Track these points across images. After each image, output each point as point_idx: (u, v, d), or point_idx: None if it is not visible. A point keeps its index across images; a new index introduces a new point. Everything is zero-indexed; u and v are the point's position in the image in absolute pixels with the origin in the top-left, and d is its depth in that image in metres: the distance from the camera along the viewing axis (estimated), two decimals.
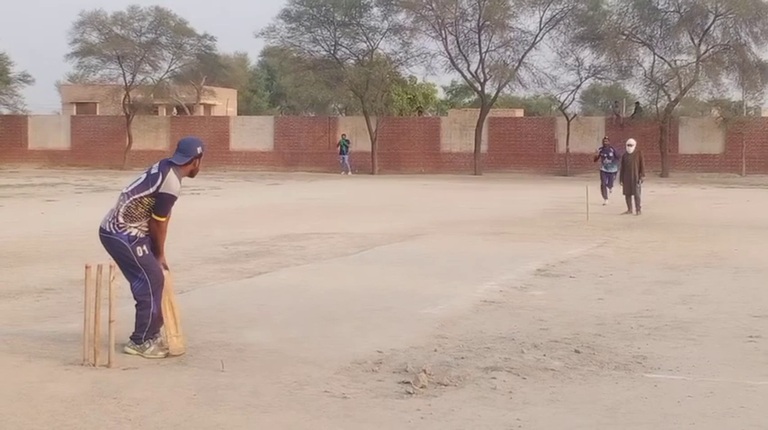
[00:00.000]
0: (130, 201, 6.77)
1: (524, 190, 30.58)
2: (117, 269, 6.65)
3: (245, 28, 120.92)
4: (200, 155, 6.99)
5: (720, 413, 5.52)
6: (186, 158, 6.92)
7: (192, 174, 7.05)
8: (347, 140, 43.40)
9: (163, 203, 6.80)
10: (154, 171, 6.84)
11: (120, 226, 6.78)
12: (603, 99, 61.29)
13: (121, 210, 6.78)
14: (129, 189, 6.83)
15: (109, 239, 6.84)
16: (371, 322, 8.07)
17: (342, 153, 43.03)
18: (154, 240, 6.90)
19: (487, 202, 24.09)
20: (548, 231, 16.61)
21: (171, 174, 6.80)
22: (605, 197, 22.95)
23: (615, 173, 22.60)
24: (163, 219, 6.87)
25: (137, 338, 6.79)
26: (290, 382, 6.01)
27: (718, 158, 41.19)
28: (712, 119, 41.58)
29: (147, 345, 6.74)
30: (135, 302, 6.84)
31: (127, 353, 6.68)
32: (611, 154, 23.45)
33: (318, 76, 43.76)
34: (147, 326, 6.77)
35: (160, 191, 6.75)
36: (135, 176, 7.23)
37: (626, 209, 20.48)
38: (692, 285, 10.45)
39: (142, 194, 6.76)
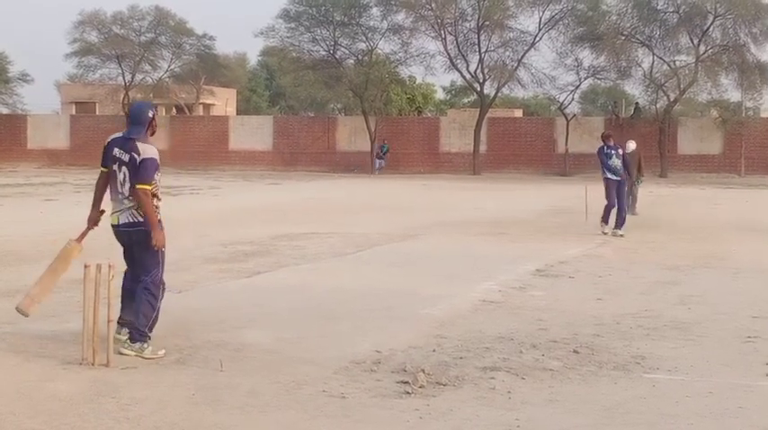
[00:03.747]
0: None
1: (523, 190, 30.59)
2: (116, 268, 6.63)
3: (245, 27, 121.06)
4: (154, 116, 6.97)
5: (719, 413, 5.52)
6: (143, 128, 6.88)
7: (152, 134, 7.00)
8: (386, 146, 43.29)
9: (146, 169, 6.73)
10: (126, 157, 6.75)
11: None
12: (603, 99, 61.34)
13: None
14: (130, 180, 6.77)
15: (138, 232, 6.79)
16: (370, 322, 8.07)
17: (379, 157, 42.83)
18: (144, 211, 6.74)
19: (486, 202, 24.08)
20: (547, 231, 16.61)
21: (141, 144, 6.80)
22: (606, 222, 16.46)
23: (623, 182, 16.70)
24: (149, 187, 6.75)
25: (139, 335, 6.71)
26: (289, 382, 6.01)
27: (717, 159, 41.21)
28: (711, 119, 41.60)
29: (146, 346, 6.72)
30: (143, 296, 6.76)
31: (123, 354, 6.62)
32: (618, 151, 16.65)
33: (318, 75, 43.79)
34: (151, 320, 6.78)
35: (143, 160, 6.73)
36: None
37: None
38: (691, 286, 10.45)
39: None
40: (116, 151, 6.84)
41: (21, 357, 6.58)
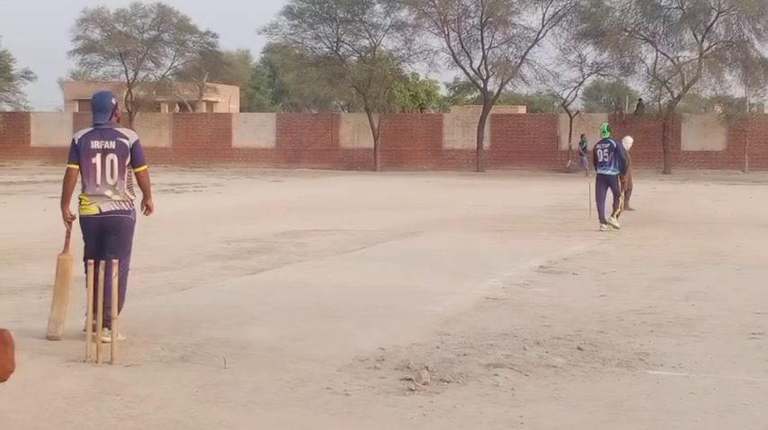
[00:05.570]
0: (129, 172, 7.07)
1: (527, 186, 30.57)
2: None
3: (248, 25, 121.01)
4: (117, 104, 7.25)
5: (723, 410, 5.52)
6: (109, 114, 7.11)
7: (117, 120, 7.26)
8: (585, 140, 40.37)
9: (141, 151, 7.14)
10: (112, 144, 6.98)
11: (133, 201, 7.08)
12: (606, 96, 61.31)
13: (126, 182, 7.01)
14: (123, 163, 7.00)
15: (125, 219, 7.03)
16: (374, 319, 8.07)
17: (582, 154, 39.78)
18: (147, 189, 7.20)
19: (490, 199, 24.08)
20: (550, 228, 16.60)
21: (122, 129, 7.11)
22: (603, 220, 16.31)
23: (615, 176, 16.80)
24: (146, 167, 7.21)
25: (111, 321, 6.56)
26: (292, 379, 6.02)
27: (721, 155, 41.16)
28: (715, 115, 41.59)
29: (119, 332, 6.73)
30: (125, 280, 7.03)
31: (105, 342, 6.41)
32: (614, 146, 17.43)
33: (321, 72, 43.80)
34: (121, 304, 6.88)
35: (134, 143, 7.07)
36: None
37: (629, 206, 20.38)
38: (695, 282, 10.44)
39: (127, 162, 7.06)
40: (95, 143, 7.00)
41: (25, 355, 6.58)
